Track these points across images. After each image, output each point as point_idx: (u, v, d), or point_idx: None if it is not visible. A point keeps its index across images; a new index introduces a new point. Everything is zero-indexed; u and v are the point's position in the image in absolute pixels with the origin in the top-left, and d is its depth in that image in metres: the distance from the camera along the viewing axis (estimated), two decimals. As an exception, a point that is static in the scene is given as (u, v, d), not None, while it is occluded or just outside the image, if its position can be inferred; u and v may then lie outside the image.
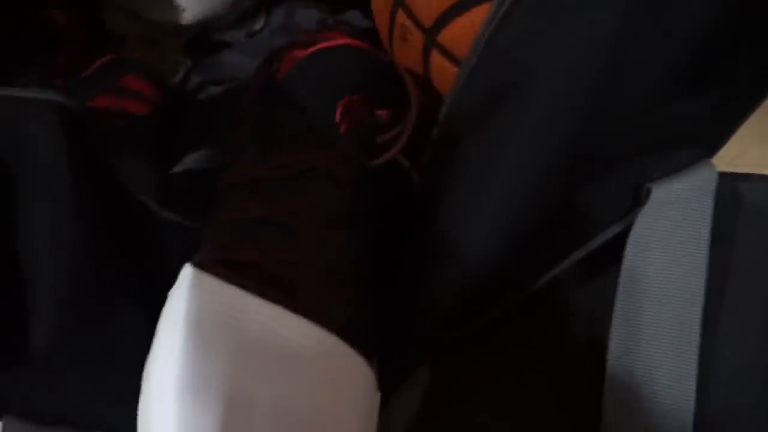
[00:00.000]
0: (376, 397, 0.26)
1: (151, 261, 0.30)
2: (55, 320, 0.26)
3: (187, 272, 0.25)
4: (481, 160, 0.27)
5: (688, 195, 0.27)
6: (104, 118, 0.35)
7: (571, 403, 0.30)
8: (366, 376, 0.25)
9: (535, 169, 0.26)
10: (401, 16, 0.31)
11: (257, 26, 0.45)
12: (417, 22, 0.30)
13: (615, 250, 0.28)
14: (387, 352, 0.28)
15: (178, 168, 0.36)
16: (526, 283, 0.30)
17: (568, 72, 0.24)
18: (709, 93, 0.26)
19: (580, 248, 0.29)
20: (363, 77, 0.29)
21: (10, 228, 0.26)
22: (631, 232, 0.28)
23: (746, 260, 0.30)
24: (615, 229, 0.29)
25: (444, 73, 0.31)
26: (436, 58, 0.31)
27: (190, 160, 0.36)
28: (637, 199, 0.28)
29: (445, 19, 0.29)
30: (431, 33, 0.30)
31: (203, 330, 0.23)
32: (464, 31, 0.27)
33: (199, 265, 0.25)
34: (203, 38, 0.44)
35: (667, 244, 0.28)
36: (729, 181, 0.30)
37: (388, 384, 0.28)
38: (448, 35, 0.29)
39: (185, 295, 0.25)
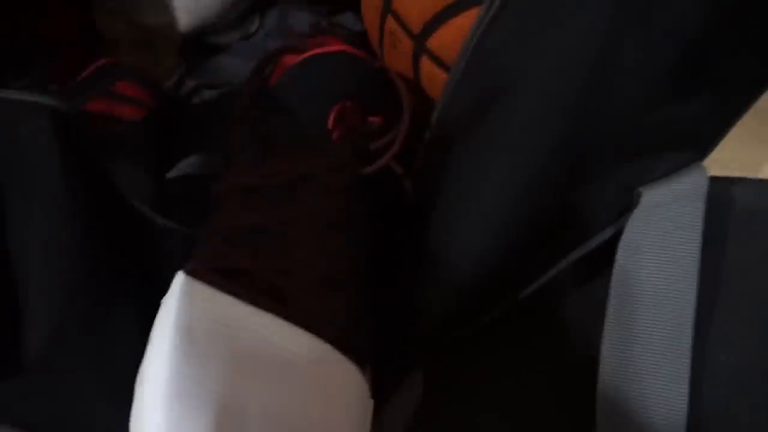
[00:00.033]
0: (369, 404, 0.26)
1: (146, 267, 0.30)
2: (50, 326, 0.26)
3: (179, 280, 0.26)
4: (471, 164, 0.27)
5: (679, 198, 0.27)
6: (98, 123, 0.35)
7: (570, 403, 0.30)
8: (359, 384, 0.25)
9: (524, 173, 0.26)
10: (390, 23, 0.31)
11: (251, 29, 0.45)
12: (406, 29, 0.30)
13: (610, 252, 0.29)
14: (383, 356, 0.28)
15: (172, 173, 0.36)
16: (521, 285, 0.30)
17: (556, 76, 0.24)
18: (699, 95, 0.26)
19: (574, 251, 0.29)
20: (355, 84, 0.29)
21: (2, 232, 0.26)
22: (623, 236, 0.28)
23: (738, 263, 0.30)
24: (608, 233, 0.29)
25: (434, 78, 0.31)
26: (426, 64, 0.31)
27: (185, 165, 0.36)
28: (629, 202, 0.28)
29: (433, 25, 0.29)
30: (420, 39, 0.30)
31: (194, 338, 0.23)
32: (453, 37, 0.27)
33: (192, 273, 0.25)
34: (197, 42, 0.44)
35: (659, 247, 0.28)
36: (721, 185, 0.30)
37: (381, 391, 0.28)
38: (436, 41, 0.29)
39: (177, 302, 0.25)
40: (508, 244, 0.27)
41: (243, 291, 0.24)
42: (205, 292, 0.25)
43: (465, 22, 0.27)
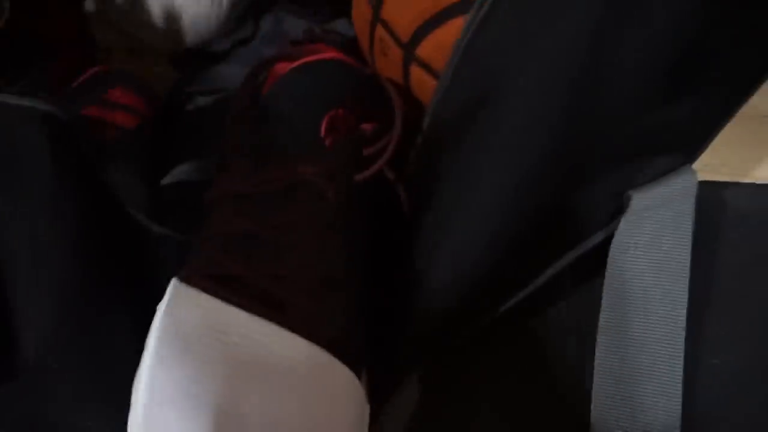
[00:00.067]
0: (366, 408, 0.26)
1: (141, 273, 0.31)
2: (44, 331, 0.26)
3: (173, 286, 0.26)
4: (462, 168, 0.27)
5: (668, 201, 0.28)
6: (92, 130, 0.35)
7: (567, 404, 0.30)
8: (355, 389, 0.26)
9: (515, 175, 0.26)
10: (380, 31, 0.32)
11: (246, 35, 0.45)
12: (395, 37, 0.31)
13: (605, 254, 0.29)
14: (380, 358, 0.28)
15: (167, 180, 0.36)
16: (517, 287, 0.30)
17: (544, 80, 0.24)
18: (686, 99, 0.26)
19: (567, 254, 0.29)
20: (348, 91, 0.29)
21: None
22: (614, 239, 0.28)
23: (730, 266, 0.30)
24: (600, 236, 0.29)
25: (424, 85, 0.31)
26: (416, 72, 0.31)
27: (179, 172, 0.36)
28: (619, 205, 0.28)
29: (421, 33, 0.29)
30: (409, 47, 0.30)
31: (190, 344, 0.23)
32: (441, 45, 0.28)
33: (186, 280, 0.26)
34: (190, 49, 0.44)
35: (650, 250, 0.28)
36: (712, 189, 0.30)
37: (379, 394, 0.28)
38: (425, 49, 0.30)
39: (172, 309, 0.25)
40: (501, 246, 0.27)
41: (237, 297, 0.25)
42: (199, 298, 0.25)
43: (453, 29, 0.27)
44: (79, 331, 0.27)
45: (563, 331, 0.32)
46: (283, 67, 0.30)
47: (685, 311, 0.28)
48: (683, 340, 0.28)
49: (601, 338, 0.28)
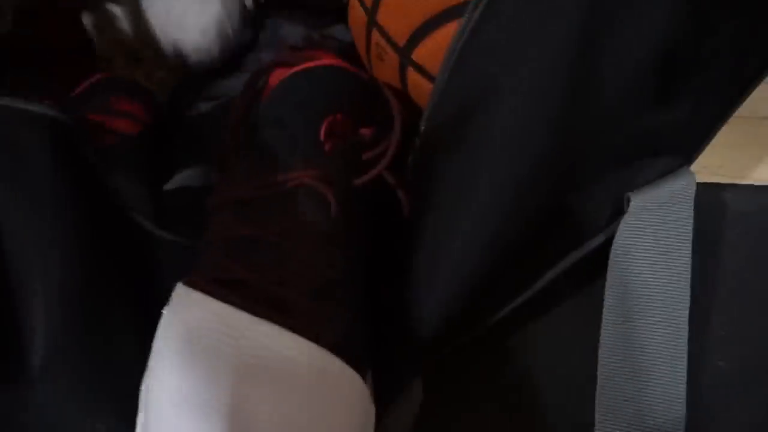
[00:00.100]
0: (371, 410, 0.26)
1: (145, 278, 0.31)
2: (51, 338, 0.26)
3: (178, 290, 0.26)
4: (460, 170, 0.27)
5: (667, 202, 0.28)
6: (95, 136, 0.36)
7: (570, 405, 0.30)
8: (360, 391, 0.26)
9: (512, 177, 0.26)
10: (376, 36, 0.32)
11: (245, 42, 0.46)
12: (391, 42, 0.31)
13: (605, 257, 0.29)
14: (384, 361, 0.28)
15: (169, 185, 0.36)
16: (517, 289, 0.30)
17: (537, 81, 0.25)
18: (681, 100, 0.26)
19: (568, 256, 0.30)
20: (346, 96, 0.29)
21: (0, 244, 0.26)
22: (614, 241, 0.28)
23: (730, 267, 0.30)
24: (600, 239, 0.29)
25: (420, 89, 0.31)
26: (412, 75, 0.31)
27: (182, 177, 0.37)
28: (619, 208, 0.28)
29: (417, 37, 0.29)
30: (405, 51, 0.30)
31: (196, 347, 0.23)
32: (437, 48, 0.28)
33: (191, 284, 0.26)
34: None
35: (650, 251, 0.28)
36: (712, 191, 0.30)
37: (383, 397, 0.28)
38: (421, 53, 0.30)
39: (178, 313, 0.25)
40: (501, 247, 0.27)
41: (241, 300, 0.25)
42: (204, 302, 0.25)
43: (448, 33, 0.27)
44: (84, 336, 0.27)
45: (565, 333, 0.32)
46: (281, 73, 0.30)
47: (687, 312, 0.28)
48: (686, 341, 0.28)
49: (603, 340, 0.28)
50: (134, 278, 0.30)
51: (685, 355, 0.27)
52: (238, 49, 0.44)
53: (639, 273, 0.28)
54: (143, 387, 0.25)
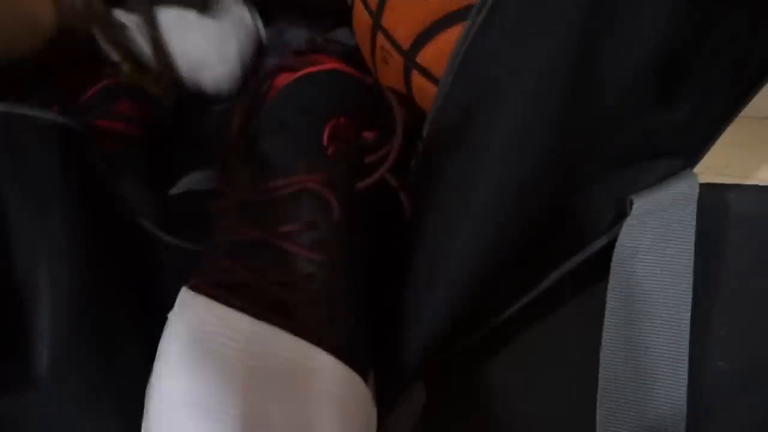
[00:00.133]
0: (373, 412, 0.27)
1: (151, 282, 0.31)
2: (57, 343, 0.27)
3: (183, 295, 0.26)
4: (463, 171, 0.27)
5: (670, 205, 0.28)
6: (100, 141, 0.36)
7: (572, 405, 0.30)
8: (362, 393, 0.26)
9: (515, 178, 0.26)
10: (380, 39, 0.32)
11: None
12: (395, 45, 0.31)
13: (608, 259, 0.29)
14: (386, 364, 0.29)
15: (175, 190, 0.37)
16: (521, 291, 0.31)
17: (536, 85, 0.25)
18: (682, 101, 0.26)
19: (571, 259, 0.30)
20: (348, 100, 0.29)
21: (6, 246, 0.27)
22: (617, 244, 0.28)
23: (733, 268, 0.30)
24: (603, 241, 0.29)
25: (425, 92, 0.31)
26: (417, 79, 0.31)
27: (187, 182, 0.37)
28: (622, 210, 0.28)
29: (421, 40, 0.29)
30: (410, 55, 0.31)
31: (200, 351, 0.24)
32: (441, 52, 0.28)
33: (195, 288, 0.26)
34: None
35: (653, 254, 0.28)
36: (715, 191, 0.30)
37: (385, 398, 0.28)
38: (425, 56, 0.30)
39: (182, 317, 0.25)
40: (504, 249, 0.27)
41: (245, 304, 0.25)
42: (208, 306, 0.25)
43: (452, 36, 0.27)
44: (90, 340, 0.28)
45: (567, 335, 0.32)
46: (285, 78, 0.30)
47: (689, 315, 0.28)
48: (687, 343, 0.28)
49: (605, 342, 0.28)
50: (140, 283, 0.31)
51: (687, 358, 0.27)
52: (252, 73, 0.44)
53: (641, 276, 0.28)
54: (148, 391, 0.25)
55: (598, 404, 0.28)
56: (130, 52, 0.41)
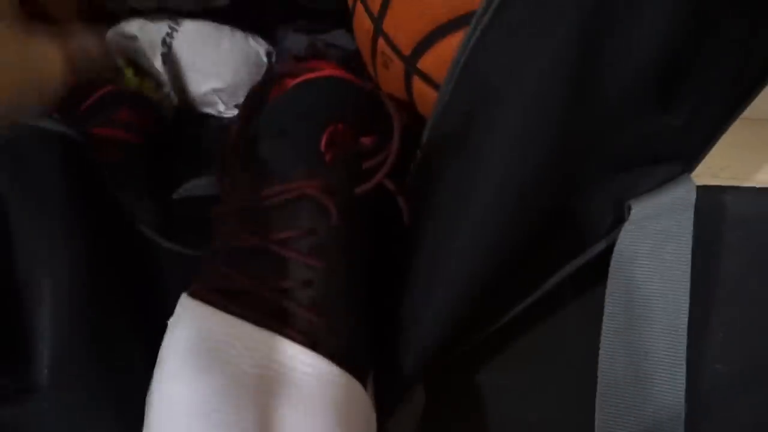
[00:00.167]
0: (372, 417, 0.27)
1: (151, 288, 0.31)
2: (58, 350, 0.27)
3: (183, 301, 0.26)
4: (463, 176, 0.28)
5: (667, 210, 0.28)
6: (101, 149, 0.36)
7: (572, 407, 0.30)
8: (361, 398, 0.26)
9: (514, 183, 0.26)
10: (382, 44, 0.32)
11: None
12: (396, 50, 0.31)
13: (607, 263, 0.29)
14: (385, 369, 0.29)
15: (175, 196, 0.37)
16: (520, 296, 0.31)
17: (536, 87, 0.25)
18: (682, 103, 0.26)
19: (569, 263, 0.30)
20: (346, 106, 0.29)
21: (9, 254, 0.27)
22: (615, 249, 0.28)
23: (731, 270, 0.30)
24: (601, 245, 0.29)
25: (425, 98, 0.31)
26: (418, 84, 0.31)
27: (187, 188, 0.37)
28: (620, 215, 0.28)
29: (423, 46, 0.29)
30: (411, 60, 0.31)
31: (201, 358, 0.24)
32: (442, 58, 0.28)
33: (195, 294, 0.26)
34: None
35: (650, 258, 0.28)
36: (713, 194, 0.30)
37: (385, 402, 0.28)
38: (426, 62, 0.30)
39: (182, 323, 0.25)
40: (503, 253, 0.27)
41: (245, 310, 0.25)
42: (208, 313, 0.25)
43: (453, 43, 0.27)
44: (90, 347, 0.28)
45: (567, 338, 0.32)
46: (284, 85, 0.30)
47: (686, 319, 0.28)
48: (685, 347, 0.28)
49: (604, 347, 0.29)
50: (140, 289, 0.31)
51: (684, 362, 0.28)
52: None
53: (640, 281, 0.28)
54: (148, 397, 0.25)
55: (597, 409, 0.28)
56: (133, 60, 0.41)
